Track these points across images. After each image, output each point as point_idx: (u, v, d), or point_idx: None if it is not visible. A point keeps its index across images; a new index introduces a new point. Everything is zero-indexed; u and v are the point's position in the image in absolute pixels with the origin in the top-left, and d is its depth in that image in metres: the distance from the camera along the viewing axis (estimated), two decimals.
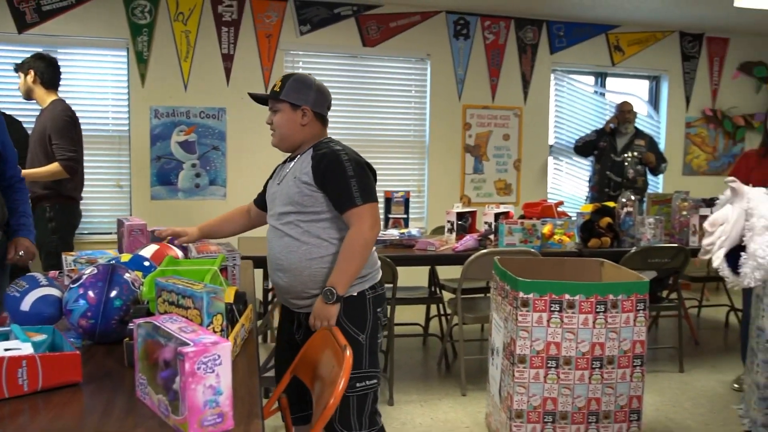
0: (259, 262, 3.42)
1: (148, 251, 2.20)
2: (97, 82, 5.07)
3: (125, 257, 2.09)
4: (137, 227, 2.49)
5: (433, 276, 4.40)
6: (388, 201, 4.10)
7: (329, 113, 2.32)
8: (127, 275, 1.78)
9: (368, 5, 5.50)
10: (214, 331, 1.49)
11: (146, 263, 2.05)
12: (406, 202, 4.09)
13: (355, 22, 5.50)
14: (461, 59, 5.79)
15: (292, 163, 2.25)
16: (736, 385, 3.83)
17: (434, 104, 5.77)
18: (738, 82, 6.64)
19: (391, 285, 3.48)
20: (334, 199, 2.10)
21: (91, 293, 1.69)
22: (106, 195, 5.14)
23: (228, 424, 1.24)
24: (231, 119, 5.25)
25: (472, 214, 4.09)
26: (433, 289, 4.38)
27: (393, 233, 3.82)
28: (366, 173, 2.14)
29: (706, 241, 1.49)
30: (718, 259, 1.46)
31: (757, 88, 6.70)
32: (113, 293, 1.71)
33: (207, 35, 5.18)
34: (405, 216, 4.10)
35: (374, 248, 2.22)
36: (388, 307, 2.98)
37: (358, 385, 2.12)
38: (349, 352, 1.69)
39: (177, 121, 5.16)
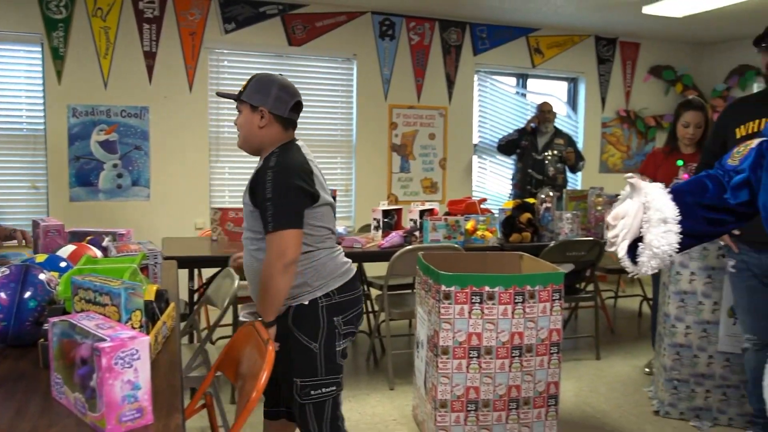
0: (184, 262, 3.38)
1: (65, 251, 2.15)
2: (9, 78, 4.85)
3: (40, 257, 2.03)
4: (53, 228, 2.42)
5: (360, 273, 4.44)
6: None
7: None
8: (42, 275, 1.74)
9: (294, 4, 5.50)
10: (133, 327, 1.48)
11: (62, 263, 2.00)
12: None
13: (281, 21, 5.49)
14: (387, 59, 5.88)
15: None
16: (647, 369, 4.06)
17: (361, 104, 5.82)
18: (649, 85, 7.01)
19: None
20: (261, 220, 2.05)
21: (2, 294, 1.65)
22: (21, 197, 4.94)
23: (147, 419, 1.24)
24: (154, 118, 5.13)
25: (398, 211, 4.17)
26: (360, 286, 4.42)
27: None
28: (288, 195, 2.01)
29: (610, 234, 1.59)
30: (622, 251, 1.56)
31: (666, 91, 7.09)
32: (27, 294, 1.67)
33: (128, 32, 5.05)
34: None
35: (336, 255, 2.19)
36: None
37: (312, 393, 2.13)
38: (271, 347, 1.71)
39: (97, 120, 5.00)
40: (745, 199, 1.53)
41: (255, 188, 2.05)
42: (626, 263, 1.54)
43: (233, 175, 5.55)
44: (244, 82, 2.22)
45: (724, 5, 5.13)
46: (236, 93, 2.19)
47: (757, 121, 2.84)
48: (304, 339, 2.12)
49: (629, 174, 1.58)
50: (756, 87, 6.31)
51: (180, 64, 5.20)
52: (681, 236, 1.49)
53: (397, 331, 4.62)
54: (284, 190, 2.01)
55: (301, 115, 2.30)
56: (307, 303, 2.11)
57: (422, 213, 3.95)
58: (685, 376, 3.31)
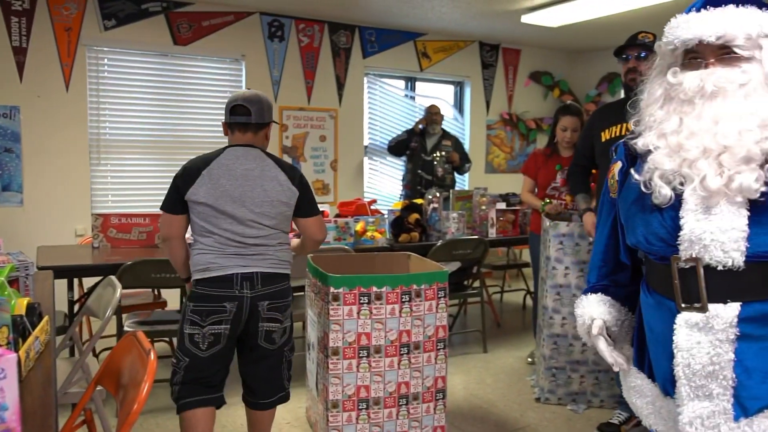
0: (62, 272, 3.21)
1: None
2: None
3: None
4: None
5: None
6: None
7: (236, 118, 2.56)
8: None
9: (179, 2, 5.35)
10: None
11: None
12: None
13: (165, 19, 5.32)
14: (276, 61, 5.84)
15: None
16: (530, 359, 4.30)
17: None
18: (529, 89, 7.40)
19: None
20: None
21: None
22: None
23: None
24: (26, 119, 4.82)
25: None
26: None
27: None
28: (173, 183, 2.48)
29: (615, 368, 1.81)
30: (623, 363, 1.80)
31: (545, 95, 7.51)
32: None
33: None
34: None
35: (204, 252, 2.45)
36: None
37: (173, 360, 2.55)
38: (153, 357, 1.68)
39: None
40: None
41: None
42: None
43: (116, 179, 5.31)
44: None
45: (594, 17, 5.51)
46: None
47: (620, 126, 3.09)
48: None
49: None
50: (622, 93, 6.82)
51: (55, 62, 4.91)
52: (630, 309, 1.79)
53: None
54: (173, 179, 2.50)
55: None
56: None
57: None
58: (562, 364, 3.53)
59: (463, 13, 5.78)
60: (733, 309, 1.43)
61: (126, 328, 3.35)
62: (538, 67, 7.42)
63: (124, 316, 3.55)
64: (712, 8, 1.46)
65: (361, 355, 2.78)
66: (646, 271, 1.70)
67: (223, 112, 2.60)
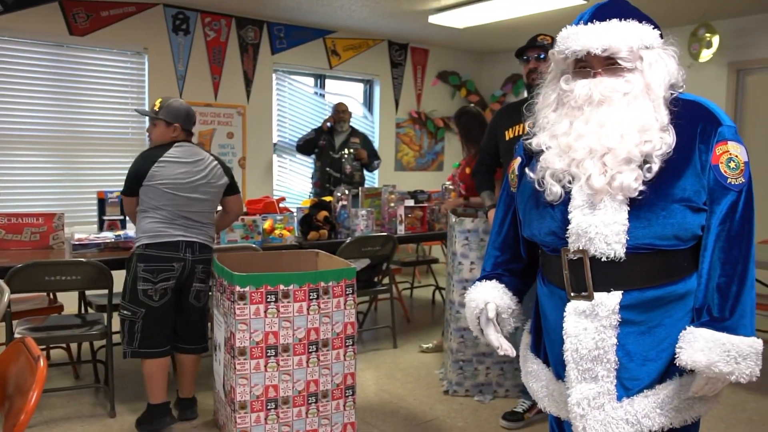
0: None
1: None
2: None
3: None
4: None
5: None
6: (102, 202, 3.86)
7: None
8: None
9: None
10: None
11: None
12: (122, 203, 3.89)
13: (60, 7, 5.04)
14: (181, 55, 5.66)
15: None
16: (422, 346, 4.44)
17: (153, 100, 5.53)
18: (437, 88, 7.54)
19: (106, 291, 3.30)
20: None
21: None
22: None
23: None
24: None
25: None
26: None
27: (108, 236, 3.61)
28: (132, 171, 3.11)
29: (500, 352, 1.88)
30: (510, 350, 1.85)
31: (452, 95, 7.67)
32: None
33: None
34: (122, 217, 3.90)
35: (154, 222, 3.03)
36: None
37: (121, 310, 3.09)
38: (42, 364, 1.59)
39: None
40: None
41: None
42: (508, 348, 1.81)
43: (6, 177, 4.98)
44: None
45: (498, 20, 5.69)
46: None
47: (522, 124, 3.20)
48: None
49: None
50: (525, 93, 7.09)
51: None
52: (520, 300, 1.86)
53: None
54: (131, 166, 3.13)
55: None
56: (134, 248, 3.10)
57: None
58: (469, 357, 3.63)
59: (371, 12, 5.81)
60: (615, 297, 1.55)
61: (17, 335, 3.15)
62: (446, 67, 7.57)
63: (15, 322, 3.33)
64: (598, 22, 1.58)
65: (269, 354, 2.75)
66: (541, 262, 1.79)
67: (161, 113, 3.15)
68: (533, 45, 3.16)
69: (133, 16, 5.38)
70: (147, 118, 3.56)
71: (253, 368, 2.73)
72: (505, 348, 1.76)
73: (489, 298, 1.80)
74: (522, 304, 1.88)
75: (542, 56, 3.12)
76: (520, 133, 3.19)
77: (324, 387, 2.91)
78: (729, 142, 1.54)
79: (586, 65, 1.60)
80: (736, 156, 1.52)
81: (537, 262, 1.87)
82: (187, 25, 5.67)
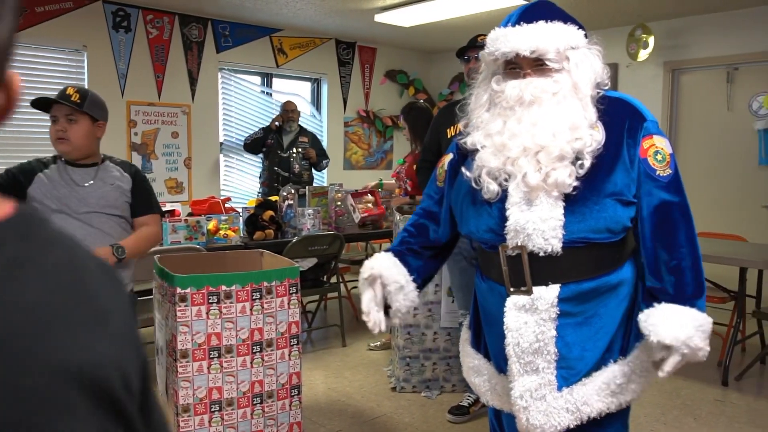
0: None
1: None
2: None
3: None
4: None
5: None
6: None
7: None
8: None
9: None
10: None
11: None
12: None
13: None
14: (123, 53, 5.53)
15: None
16: (370, 344, 4.46)
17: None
18: (385, 87, 7.57)
19: None
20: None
21: None
22: None
23: None
24: None
25: None
26: None
27: None
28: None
29: (369, 323, 1.83)
30: (382, 323, 1.81)
31: (400, 93, 7.72)
32: None
33: None
34: None
35: None
36: None
37: None
38: None
39: None
40: (446, 217, 1.86)
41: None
42: (384, 326, 1.77)
43: None
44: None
45: (444, 19, 5.74)
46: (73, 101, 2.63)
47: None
48: None
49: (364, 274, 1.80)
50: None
51: None
52: (419, 285, 1.83)
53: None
54: None
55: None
56: None
57: (162, 214, 3.81)
58: (416, 353, 3.66)
59: (317, 10, 5.79)
60: (553, 290, 1.59)
61: None
62: (394, 66, 7.61)
63: None
64: (525, 24, 1.62)
65: (212, 356, 2.72)
66: (479, 259, 1.82)
67: (86, 105, 2.75)
68: (473, 45, 3.21)
69: (71, 12, 5.24)
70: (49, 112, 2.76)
71: (195, 370, 2.70)
72: (372, 318, 1.75)
73: (376, 265, 1.79)
74: (460, 299, 1.89)
75: None
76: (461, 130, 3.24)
77: (269, 387, 2.89)
78: (654, 136, 1.61)
79: (516, 66, 1.64)
80: (662, 149, 1.59)
81: (448, 250, 1.91)
82: (129, 22, 5.55)
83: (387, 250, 1.89)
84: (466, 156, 1.76)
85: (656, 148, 1.59)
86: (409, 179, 4.20)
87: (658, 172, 1.57)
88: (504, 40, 1.62)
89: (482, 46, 3.14)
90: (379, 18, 5.76)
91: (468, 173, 1.69)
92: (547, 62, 1.60)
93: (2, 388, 0.47)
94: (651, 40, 5.59)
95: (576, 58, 1.62)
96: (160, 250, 3.47)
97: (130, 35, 5.57)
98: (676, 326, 1.48)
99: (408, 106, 4.38)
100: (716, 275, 4.12)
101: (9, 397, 0.47)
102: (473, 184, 1.67)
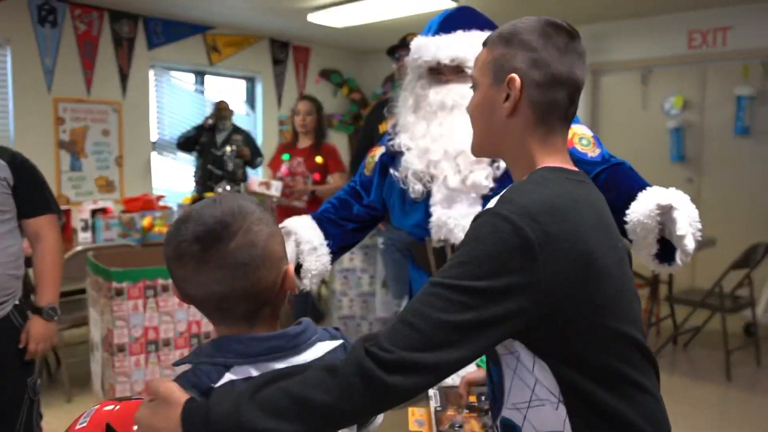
0: None
1: None
2: None
3: None
4: None
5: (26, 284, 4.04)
6: None
7: None
8: None
9: None
10: None
11: None
12: None
13: None
14: (49, 48, 5.39)
15: None
16: None
17: (18, 96, 5.23)
18: (320, 86, 7.62)
19: None
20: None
21: None
22: None
23: None
24: None
25: (66, 213, 3.90)
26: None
27: None
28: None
29: None
30: None
31: (335, 93, 7.79)
32: None
33: None
34: None
35: None
36: None
37: None
38: None
39: None
40: (371, 200, 1.93)
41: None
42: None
43: None
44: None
45: (376, 20, 5.86)
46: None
47: None
48: None
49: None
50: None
51: None
52: (333, 251, 1.83)
53: (72, 339, 4.32)
54: None
55: None
56: None
57: (94, 212, 3.77)
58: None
59: (251, 8, 5.80)
60: None
61: None
62: (328, 66, 7.67)
63: None
64: (444, 34, 1.73)
65: (149, 349, 2.74)
66: (412, 249, 1.95)
67: None
68: (403, 44, 3.34)
69: None
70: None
71: (133, 364, 2.71)
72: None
73: (293, 223, 1.82)
74: (395, 289, 1.96)
75: None
76: None
77: None
78: (572, 125, 1.67)
79: (438, 72, 1.75)
80: (584, 134, 1.68)
81: (368, 227, 1.97)
82: (55, 17, 5.41)
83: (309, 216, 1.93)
84: (395, 157, 1.86)
85: (579, 136, 1.67)
86: (317, 171, 4.07)
87: (588, 155, 1.64)
88: (425, 49, 1.74)
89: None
90: (312, 18, 5.82)
91: (396, 173, 1.81)
92: (466, 70, 1.70)
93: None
94: None
95: None
96: (93, 247, 3.44)
97: (57, 30, 5.43)
98: (670, 193, 1.40)
99: (317, 101, 4.32)
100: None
101: None
102: (401, 184, 1.79)
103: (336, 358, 0.89)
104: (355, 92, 7.79)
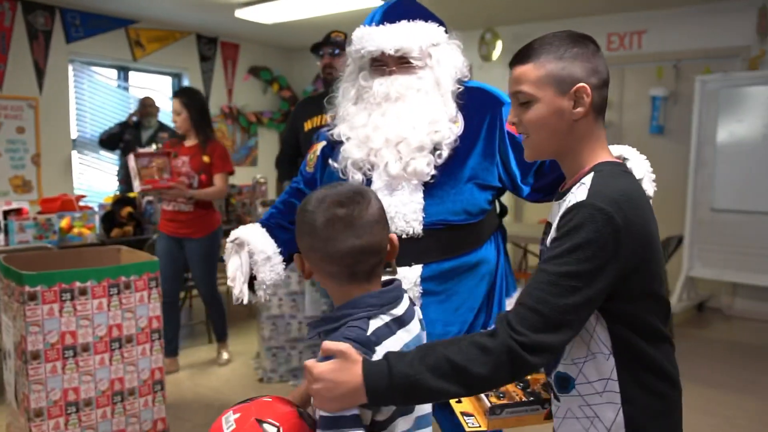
0: None
1: None
2: None
3: None
4: None
5: None
6: None
7: None
8: None
9: None
10: None
11: None
12: None
13: None
14: None
15: None
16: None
17: None
18: (249, 84, 7.51)
19: None
20: None
21: None
22: None
23: None
24: None
25: None
26: None
27: None
28: None
29: (235, 290, 1.78)
30: (245, 294, 1.79)
31: (264, 90, 7.70)
32: None
33: None
34: None
35: None
36: None
37: None
38: None
39: None
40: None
41: None
42: (248, 299, 1.76)
43: None
44: None
45: (305, 17, 5.82)
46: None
47: (320, 116, 3.36)
48: None
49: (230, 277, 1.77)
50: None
51: None
52: (285, 260, 1.81)
53: None
54: None
55: None
56: None
57: (6, 213, 3.60)
58: (282, 343, 3.73)
59: (176, 2, 5.66)
60: (416, 270, 1.69)
61: None
62: (257, 62, 7.57)
63: None
64: (388, 23, 1.71)
65: (66, 355, 2.63)
66: None
67: None
68: (327, 41, 3.33)
69: None
70: None
71: (49, 372, 2.60)
72: (238, 287, 1.73)
73: (244, 232, 1.79)
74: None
75: (336, 52, 3.29)
76: (319, 124, 3.34)
77: (130, 384, 2.84)
78: None
79: (382, 63, 1.73)
80: None
81: None
82: None
83: (254, 222, 1.90)
84: (335, 148, 1.83)
85: None
86: (203, 172, 3.76)
87: None
88: (369, 39, 1.71)
89: (336, 43, 3.31)
90: (240, 13, 5.73)
91: (335, 164, 1.78)
92: (411, 60, 1.70)
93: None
94: (499, 43, 6.01)
95: (438, 54, 1.73)
96: (6, 249, 3.28)
97: None
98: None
99: (189, 91, 3.94)
100: None
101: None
102: (340, 175, 1.75)
103: (484, 337, 1.08)
104: (286, 90, 7.72)
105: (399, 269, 1.65)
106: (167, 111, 6.59)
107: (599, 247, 1.08)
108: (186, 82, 6.90)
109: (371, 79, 1.74)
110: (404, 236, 1.66)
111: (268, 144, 7.60)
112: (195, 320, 5.15)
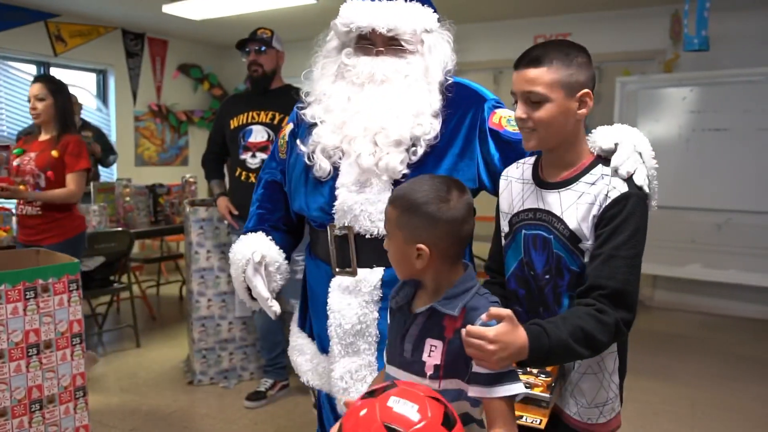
0: None
1: None
2: None
3: None
4: None
5: None
6: None
7: None
8: None
9: None
10: None
11: None
12: None
13: None
14: None
15: None
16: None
17: None
18: (178, 81, 7.34)
19: None
20: None
21: None
22: None
23: None
24: None
25: None
26: None
27: None
28: None
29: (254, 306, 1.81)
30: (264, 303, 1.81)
31: (194, 88, 7.54)
32: None
33: None
34: None
35: None
36: None
37: None
38: None
39: None
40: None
41: None
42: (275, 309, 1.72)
43: None
44: None
45: (235, 14, 5.74)
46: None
47: (246, 114, 3.33)
48: None
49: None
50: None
51: None
52: (287, 260, 1.79)
53: None
54: None
55: None
56: None
57: None
58: (212, 345, 3.67)
59: None
60: (377, 273, 1.60)
61: None
62: (187, 60, 7.40)
63: None
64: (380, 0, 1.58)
65: (30, 353, 2.53)
66: (310, 237, 1.79)
67: None
68: (253, 38, 3.30)
69: None
70: None
71: (13, 371, 2.49)
72: (273, 302, 1.70)
73: (255, 247, 1.72)
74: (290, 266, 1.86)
75: (262, 49, 3.27)
76: (245, 122, 3.31)
77: (49, 392, 2.74)
78: (496, 110, 1.65)
79: (369, 42, 1.61)
80: (509, 116, 1.61)
81: (303, 222, 1.86)
82: None
83: (249, 230, 1.82)
84: (305, 130, 1.70)
85: (506, 117, 1.62)
86: (50, 169, 3.31)
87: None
88: (360, 14, 1.58)
89: (262, 40, 3.28)
90: (167, 9, 5.59)
91: (303, 147, 1.65)
92: (402, 42, 1.59)
93: None
94: None
95: (430, 41, 1.63)
96: None
97: None
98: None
99: (55, 78, 3.60)
100: None
101: None
102: (307, 161, 1.64)
103: (596, 313, 1.29)
104: (217, 87, 7.59)
105: (360, 271, 1.60)
106: (91, 108, 6.39)
107: (645, 228, 1.36)
108: (111, 79, 6.68)
109: (355, 57, 1.62)
110: (368, 236, 1.59)
111: (199, 143, 7.44)
112: (122, 324, 4.99)
